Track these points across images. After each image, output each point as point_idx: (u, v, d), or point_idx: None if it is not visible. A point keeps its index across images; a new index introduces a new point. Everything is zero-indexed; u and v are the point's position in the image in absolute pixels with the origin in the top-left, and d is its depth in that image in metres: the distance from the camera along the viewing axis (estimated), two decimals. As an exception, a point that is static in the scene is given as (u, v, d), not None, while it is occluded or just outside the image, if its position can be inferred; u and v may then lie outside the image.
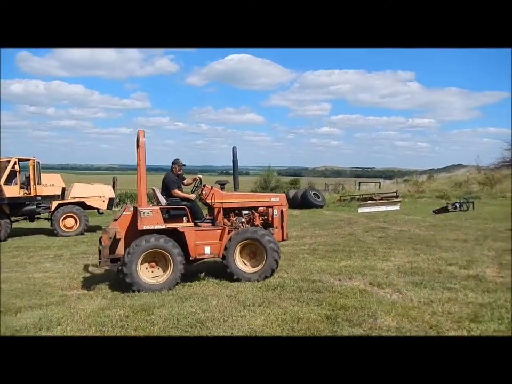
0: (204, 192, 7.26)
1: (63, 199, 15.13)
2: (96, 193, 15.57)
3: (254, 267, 6.99)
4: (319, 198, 23.30)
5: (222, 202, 7.19)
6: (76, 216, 14.64)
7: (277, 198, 7.58)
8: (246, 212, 7.43)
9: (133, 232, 6.66)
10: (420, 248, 9.36)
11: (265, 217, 7.47)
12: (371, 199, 22.43)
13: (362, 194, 25.76)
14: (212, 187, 7.26)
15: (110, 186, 16.42)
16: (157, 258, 6.60)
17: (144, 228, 6.53)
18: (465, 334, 4.21)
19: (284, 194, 8.36)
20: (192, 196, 7.42)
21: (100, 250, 6.88)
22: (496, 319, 4.58)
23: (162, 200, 7.17)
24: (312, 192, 23.64)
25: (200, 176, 7.81)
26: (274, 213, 7.37)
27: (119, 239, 6.82)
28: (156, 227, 6.58)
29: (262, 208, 7.46)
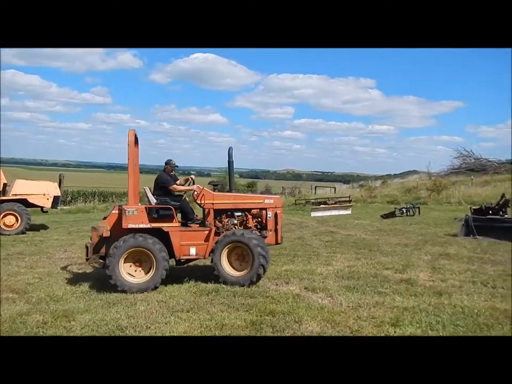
0: (195, 193, 7.11)
1: (4, 195, 14.35)
2: (40, 190, 14.81)
3: (242, 271, 6.78)
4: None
5: (212, 203, 7.04)
6: (16, 214, 13.86)
7: (271, 200, 7.34)
8: (239, 214, 7.26)
9: (120, 231, 6.60)
10: (362, 253, 9.55)
11: (259, 219, 7.27)
12: (325, 203, 22.77)
13: (317, 199, 26.12)
14: (202, 188, 7.14)
15: (56, 184, 15.68)
16: (141, 258, 6.56)
17: (128, 227, 6.51)
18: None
19: (279, 196, 8.13)
20: (195, 187, 7.28)
21: (87, 247, 6.88)
22: (414, 323, 4.69)
23: (153, 200, 7.12)
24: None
25: (193, 176, 7.73)
26: (268, 215, 7.15)
27: (107, 237, 6.76)
28: (141, 226, 6.56)
29: (255, 210, 7.27)
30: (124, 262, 6.44)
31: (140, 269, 6.57)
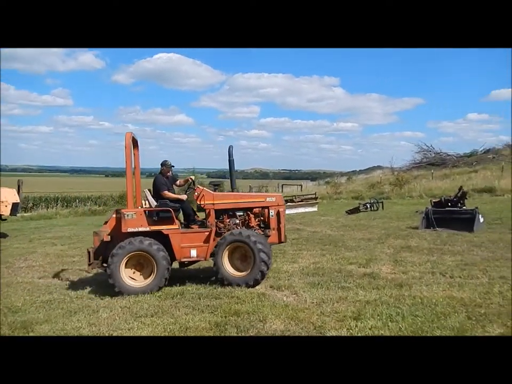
0: (195, 194, 7.00)
1: (-42, 202, 13.65)
2: (-3, 197, 14.22)
3: (244, 271, 6.64)
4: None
5: (213, 204, 6.94)
6: (-29, 222, 13.29)
7: (273, 198, 7.23)
8: (241, 213, 7.16)
9: (121, 235, 6.56)
10: (327, 249, 9.68)
11: (261, 218, 7.17)
12: (291, 201, 22.91)
13: (283, 197, 26.26)
14: (202, 188, 7.05)
15: (14, 190, 15.08)
16: (143, 261, 6.53)
17: (128, 231, 6.50)
18: (345, 333, 4.36)
19: (280, 194, 7.92)
20: (183, 197, 7.29)
21: (89, 252, 6.82)
22: (376, 315, 4.80)
23: (153, 203, 7.06)
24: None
25: (193, 177, 7.66)
26: (270, 213, 7.06)
27: (109, 242, 6.72)
28: (140, 229, 6.54)
29: (257, 209, 7.18)
30: (126, 266, 6.44)
31: (141, 272, 6.57)
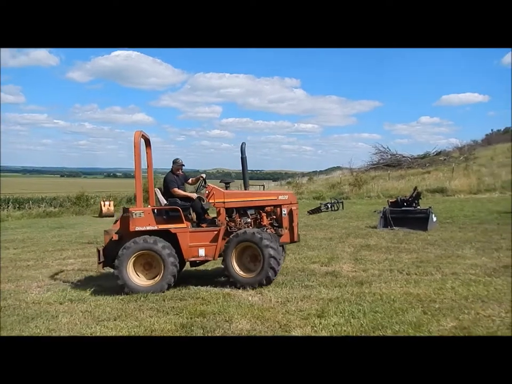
0: (206, 192, 6.87)
1: None
2: None
3: (253, 272, 6.45)
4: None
5: (223, 202, 6.79)
6: None
7: (285, 196, 7.02)
8: (252, 212, 6.98)
9: (129, 234, 6.47)
10: (290, 248, 9.78)
11: (273, 217, 6.99)
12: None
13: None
14: (213, 186, 6.90)
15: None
16: (151, 261, 6.45)
17: (136, 229, 6.42)
18: (309, 330, 4.46)
19: (293, 192, 7.71)
20: (193, 195, 7.12)
21: (98, 251, 6.77)
22: (338, 312, 4.95)
23: (163, 201, 6.95)
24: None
25: (204, 175, 7.51)
26: (282, 212, 6.88)
27: (118, 241, 6.62)
28: (148, 228, 6.46)
29: (269, 207, 7.00)
30: (135, 265, 6.41)
31: (149, 272, 6.50)
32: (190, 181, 7.63)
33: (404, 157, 38.90)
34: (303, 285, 6.46)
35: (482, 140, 47.63)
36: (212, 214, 7.45)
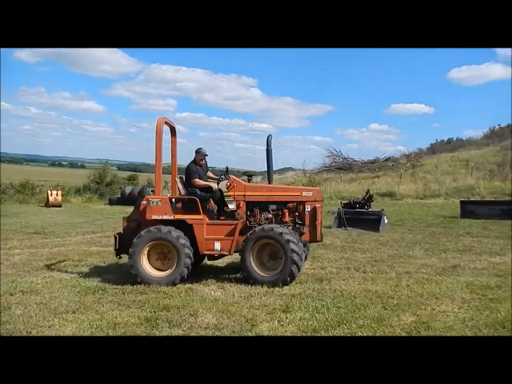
0: (227, 184, 6.63)
1: None
2: None
3: (273, 270, 6.20)
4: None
5: (244, 195, 6.53)
6: None
7: (310, 193, 6.71)
8: (274, 207, 6.70)
9: (146, 222, 6.38)
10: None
11: (296, 213, 6.70)
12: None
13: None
14: (234, 178, 6.64)
15: None
16: (165, 251, 6.33)
17: (152, 218, 6.33)
18: (276, 324, 4.51)
19: (319, 189, 7.33)
20: (214, 185, 6.88)
21: (115, 238, 6.68)
22: (303, 307, 5.04)
23: (182, 191, 6.84)
24: (150, 189, 23.09)
25: (226, 167, 7.31)
26: (306, 209, 6.58)
27: (136, 228, 6.52)
28: (164, 217, 6.34)
29: (292, 203, 6.72)
30: (150, 255, 6.31)
31: (163, 262, 6.36)
32: (210, 175, 7.34)
33: (355, 161, 40.10)
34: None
35: (427, 148, 50.04)
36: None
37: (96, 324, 4.52)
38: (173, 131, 7.50)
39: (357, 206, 13.54)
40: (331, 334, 4.18)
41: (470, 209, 13.74)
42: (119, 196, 23.91)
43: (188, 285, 6.22)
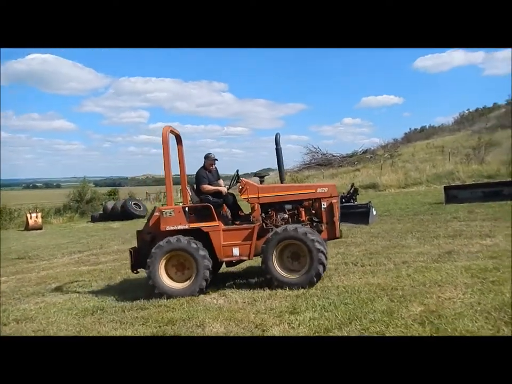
0: (239, 187, 6.44)
1: None
2: None
3: (297, 271, 6.02)
4: (140, 207, 22.58)
5: (258, 197, 6.37)
6: None
7: (325, 189, 6.55)
8: (289, 207, 6.54)
9: (161, 234, 6.27)
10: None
11: (312, 211, 6.55)
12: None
13: (181, 202, 26.01)
14: (247, 181, 6.49)
15: None
16: (184, 261, 6.21)
17: (166, 229, 6.22)
18: (287, 327, 4.44)
19: (334, 184, 7.10)
20: (223, 189, 6.78)
21: (131, 253, 6.62)
22: (310, 307, 4.98)
23: (195, 199, 6.71)
24: (133, 203, 22.80)
25: (238, 170, 7.07)
26: (322, 206, 6.43)
27: (151, 241, 6.42)
28: (179, 227, 6.23)
29: (307, 201, 6.55)
30: (167, 266, 6.21)
31: (182, 273, 6.25)
32: (221, 181, 7.25)
33: (333, 156, 40.50)
34: (264, 283, 6.43)
35: (402, 138, 50.93)
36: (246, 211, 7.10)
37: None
38: (178, 139, 7.40)
39: (343, 200, 13.57)
40: (344, 332, 4.14)
41: (453, 194, 13.95)
42: (101, 212, 23.44)
43: (188, 297, 6.08)
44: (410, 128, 58.45)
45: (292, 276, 6.01)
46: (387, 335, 3.96)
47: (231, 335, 4.38)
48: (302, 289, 5.85)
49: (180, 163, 7.47)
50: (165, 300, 5.96)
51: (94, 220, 23.06)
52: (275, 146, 6.72)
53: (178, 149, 7.41)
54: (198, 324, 4.81)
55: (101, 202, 26.85)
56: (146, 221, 6.87)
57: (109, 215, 22.16)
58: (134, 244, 13.17)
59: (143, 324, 4.99)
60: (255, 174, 7.53)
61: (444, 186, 15.04)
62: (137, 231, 6.88)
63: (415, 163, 26.94)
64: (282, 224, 6.41)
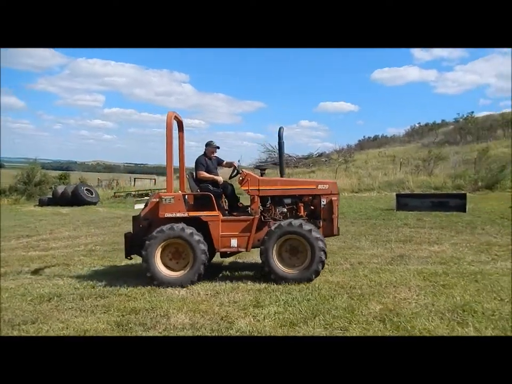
0: (240, 178, 6.36)
1: None
2: None
3: (295, 266, 6.02)
4: (92, 194, 21.87)
5: (258, 190, 6.30)
6: None
7: (326, 186, 6.50)
8: (289, 201, 6.50)
9: (159, 220, 6.14)
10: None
11: (311, 207, 6.53)
12: (147, 195, 22.39)
13: (138, 191, 25.50)
14: (248, 172, 6.42)
15: None
16: (180, 250, 6.10)
17: (165, 216, 6.12)
18: (252, 320, 4.52)
19: (335, 181, 6.97)
20: (220, 178, 6.73)
21: (126, 238, 6.52)
22: (273, 302, 5.10)
23: (194, 187, 6.63)
24: (85, 188, 22.01)
25: (236, 162, 7.21)
26: (322, 202, 6.40)
27: (148, 227, 6.29)
28: (178, 215, 6.13)
29: (307, 197, 6.53)
30: (163, 254, 6.07)
31: (178, 261, 6.13)
32: (224, 163, 7.18)
33: (290, 156, 41.04)
34: (226, 277, 6.49)
35: (355, 144, 52.70)
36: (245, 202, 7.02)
37: (63, 333, 4.23)
38: (180, 126, 7.27)
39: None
40: (310, 326, 4.28)
41: (404, 202, 14.67)
42: (51, 196, 22.42)
43: (149, 286, 6.01)
44: (364, 136, 60.67)
45: (291, 271, 6.04)
46: (350, 330, 4.16)
47: (198, 326, 4.39)
48: (264, 284, 5.96)
49: (179, 150, 7.37)
50: (125, 289, 5.86)
51: (42, 203, 22.02)
52: (278, 140, 6.73)
53: (179, 136, 7.32)
54: (162, 314, 4.78)
55: (50, 186, 25.70)
56: (143, 207, 6.72)
57: (59, 200, 21.26)
58: (86, 231, 12.92)
59: (104, 312, 4.88)
60: (256, 167, 7.60)
61: (396, 194, 15.78)
62: (134, 217, 6.73)
63: (368, 170, 27.97)
64: (280, 218, 6.45)
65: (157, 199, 6.33)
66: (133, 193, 24.37)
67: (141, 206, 21.13)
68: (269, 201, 6.56)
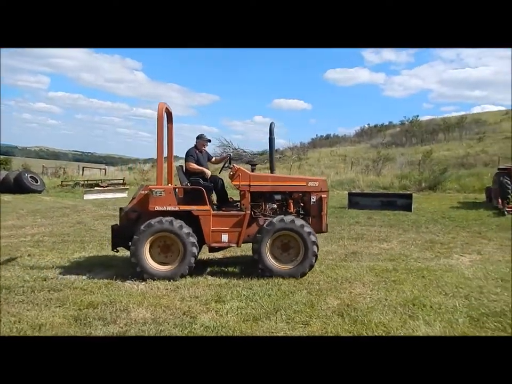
0: (231, 173, 6.37)
1: None
2: None
3: (288, 262, 6.07)
4: (37, 182, 20.80)
5: (249, 185, 6.27)
6: None
7: (316, 183, 6.47)
8: (279, 198, 6.50)
9: (148, 213, 6.04)
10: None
11: (301, 204, 6.54)
12: (97, 185, 21.66)
13: (87, 180, 24.58)
14: (239, 167, 6.37)
15: None
16: (169, 244, 6.01)
17: (155, 209, 6.02)
18: (215, 315, 4.54)
19: (325, 178, 6.81)
20: (207, 171, 6.68)
21: (113, 230, 6.44)
22: (235, 297, 5.14)
23: (184, 180, 6.53)
24: (29, 175, 20.88)
25: (230, 154, 7.22)
26: (311, 199, 6.39)
27: (136, 219, 6.19)
28: (169, 208, 6.04)
29: (297, 193, 6.51)
30: (151, 248, 5.97)
31: (167, 255, 6.04)
32: (213, 159, 7.11)
33: (244, 151, 41.14)
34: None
35: (308, 143, 53.73)
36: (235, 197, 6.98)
37: (16, 328, 4.04)
38: (169, 118, 7.05)
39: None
40: (272, 321, 4.36)
41: (356, 200, 15.20)
42: (-11, 182, 21.05)
43: (105, 280, 5.86)
44: (316, 135, 61.99)
45: (285, 266, 6.08)
46: (311, 324, 4.29)
47: (160, 321, 4.35)
48: (224, 279, 5.98)
49: (168, 142, 7.17)
50: (80, 282, 5.68)
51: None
52: (269, 135, 6.71)
53: (168, 128, 7.13)
54: (122, 308, 4.68)
55: (-12, 171, 24.12)
56: (131, 199, 6.55)
57: (1, 187, 20.02)
58: (31, 220, 12.30)
59: (59, 306, 4.70)
60: (248, 162, 7.63)
61: (348, 193, 16.31)
62: (120, 208, 6.53)
63: (321, 168, 28.68)
64: (270, 214, 6.48)
65: (146, 191, 6.20)
66: (82, 182, 23.43)
67: (91, 196, 20.52)
68: (259, 197, 6.55)
